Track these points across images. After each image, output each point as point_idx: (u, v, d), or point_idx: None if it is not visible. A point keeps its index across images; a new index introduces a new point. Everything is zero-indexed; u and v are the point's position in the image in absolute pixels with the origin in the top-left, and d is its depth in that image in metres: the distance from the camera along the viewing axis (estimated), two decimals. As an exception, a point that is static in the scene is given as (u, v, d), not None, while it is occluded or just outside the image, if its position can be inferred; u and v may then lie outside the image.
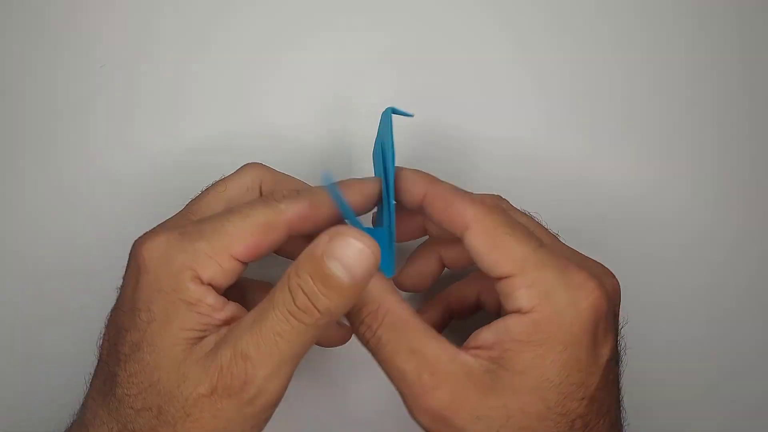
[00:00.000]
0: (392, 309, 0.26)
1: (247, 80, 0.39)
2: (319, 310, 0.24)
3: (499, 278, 0.26)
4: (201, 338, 0.25)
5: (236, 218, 0.26)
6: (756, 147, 0.40)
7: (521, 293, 0.26)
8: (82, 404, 0.27)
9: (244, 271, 0.28)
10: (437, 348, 0.26)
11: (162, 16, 0.39)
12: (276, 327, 0.24)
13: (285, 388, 0.25)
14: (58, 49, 0.39)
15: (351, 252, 0.23)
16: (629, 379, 0.29)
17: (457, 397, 0.25)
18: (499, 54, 0.40)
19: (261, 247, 0.26)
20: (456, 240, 0.28)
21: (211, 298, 0.26)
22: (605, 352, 0.26)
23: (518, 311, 0.26)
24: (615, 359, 0.27)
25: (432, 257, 0.32)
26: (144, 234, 0.28)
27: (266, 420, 0.26)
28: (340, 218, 0.28)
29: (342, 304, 0.24)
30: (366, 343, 0.27)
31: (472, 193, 0.29)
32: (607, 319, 0.26)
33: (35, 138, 0.38)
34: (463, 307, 0.33)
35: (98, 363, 0.28)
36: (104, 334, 0.28)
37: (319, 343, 0.31)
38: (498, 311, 0.29)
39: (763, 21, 0.41)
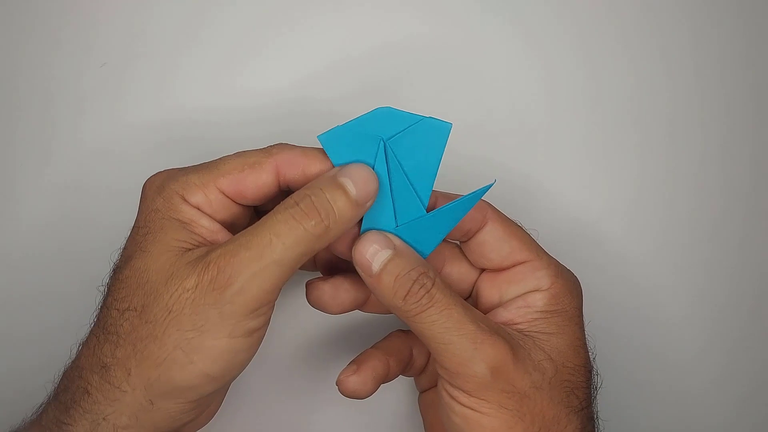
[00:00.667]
0: (438, 276, 0.28)
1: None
2: (320, 213, 0.26)
3: (515, 264, 0.30)
4: (194, 248, 0.27)
5: (231, 157, 0.29)
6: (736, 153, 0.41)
7: (542, 273, 0.29)
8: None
9: (243, 215, 0.29)
10: (479, 311, 0.28)
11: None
12: (274, 227, 0.25)
13: (269, 295, 0.26)
14: (57, 42, 0.40)
15: (360, 174, 0.27)
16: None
17: (515, 347, 0.27)
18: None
19: (245, 182, 0.28)
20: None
21: (206, 222, 0.28)
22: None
23: (538, 289, 0.29)
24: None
25: (380, 360, 0.31)
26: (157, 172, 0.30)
27: (247, 335, 0.26)
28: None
29: (343, 218, 0.26)
30: (417, 300, 0.27)
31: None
32: None
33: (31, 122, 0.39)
34: (402, 363, 0.33)
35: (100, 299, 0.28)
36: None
37: (326, 309, 0.31)
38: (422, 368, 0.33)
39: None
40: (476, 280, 0.32)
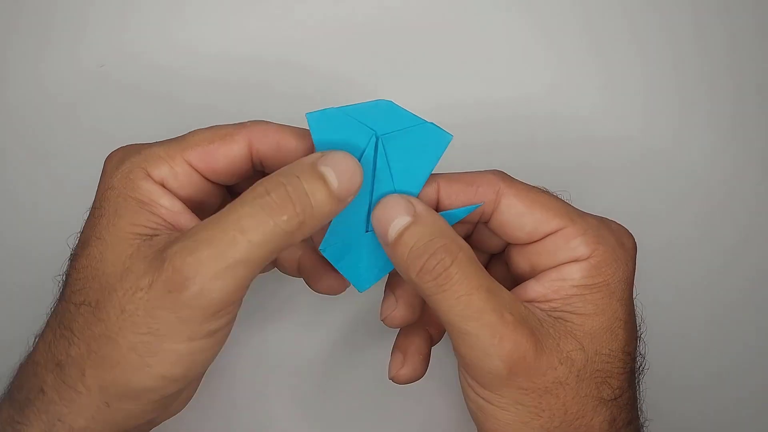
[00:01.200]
0: (466, 248, 0.25)
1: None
2: (296, 207, 0.22)
3: (546, 235, 0.26)
4: (152, 236, 0.24)
5: (201, 130, 0.26)
6: None
7: (578, 241, 0.26)
8: None
9: (213, 195, 0.27)
10: (508, 293, 0.25)
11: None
12: (240, 221, 0.22)
13: (234, 298, 0.23)
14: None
15: (345, 164, 0.24)
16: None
17: (540, 340, 0.24)
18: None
19: (215, 154, 0.26)
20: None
21: (166, 200, 0.25)
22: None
23: (575, 260, 0.26)
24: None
25: (420, 336, 0.30)
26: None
27: (208, 336, 0.23)
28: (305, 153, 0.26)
29: (321, 213, 0.23)
30: (436, 277, 0.24)
31: (479, 171, 0.27)
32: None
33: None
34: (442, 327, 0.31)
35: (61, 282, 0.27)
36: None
37: (314, 287, 0.30)
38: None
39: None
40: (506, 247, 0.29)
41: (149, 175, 0.25)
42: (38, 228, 0.38)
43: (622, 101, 0.40)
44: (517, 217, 0.26)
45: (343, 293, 0.30)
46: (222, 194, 0.28)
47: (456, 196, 0.27)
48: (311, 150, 0.26)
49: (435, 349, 0.31)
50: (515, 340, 0.24)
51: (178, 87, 0.39)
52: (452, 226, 0.26)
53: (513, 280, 0.28)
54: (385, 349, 0.31)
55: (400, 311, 0.28)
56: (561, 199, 0.27)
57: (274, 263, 0.31)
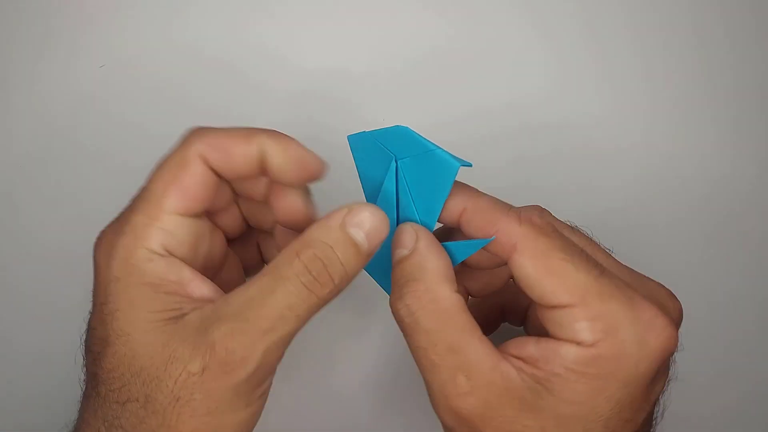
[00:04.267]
0: (440, 297, 0.24)
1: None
2: (334, 281, 0.24)
3: (553, 307, 0.24)
4: (180, 316, 0.24)
5: (154, 176, 0.25)
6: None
7: (582, 326, 0.23)
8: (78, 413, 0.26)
9: (203, 230, 0.27)
10: (480, 351, 0.24)
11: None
12: (287, 300, 0.23)
13: (280, 359, 0.24)
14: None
15: (372, 223, 0.24)
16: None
17: (492, 407, 0.23)
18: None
19: (186, 188, 0.25)
20: (483, 269, 0.28)
21: (173, 275, 0.24)
22: (659, 388, 0.25)
23: (576, 343, 0.23)
24: (663, 391, 0.26)
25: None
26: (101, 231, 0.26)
27: (261, 397, 0.25)
28: (254, 163, 0.25)
29: (352, 275, 0.25)
30: (400, 320, 0.25)
31: (517, 209, 0.26)
32: (672, 355, 0.25)
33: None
34: (518, 311, 0.31)
35: (84, 369, 0.26)
36: (83, 340, 0.26)
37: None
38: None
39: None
40: None
41: (151, 251, 0.24)
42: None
43: (624, 107, 0.41)
44: (525, 278, 0.24)
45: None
46: (210, 228, 0.28)
47: (475, 231, 0.26)
48: (258, 154, 0.25)
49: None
50: (460, 405, 0.24)
51: (179, 88, 0.39)
52: None
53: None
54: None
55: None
56: (590, 267, 0.24)
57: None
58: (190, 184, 0.25)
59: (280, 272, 0.24)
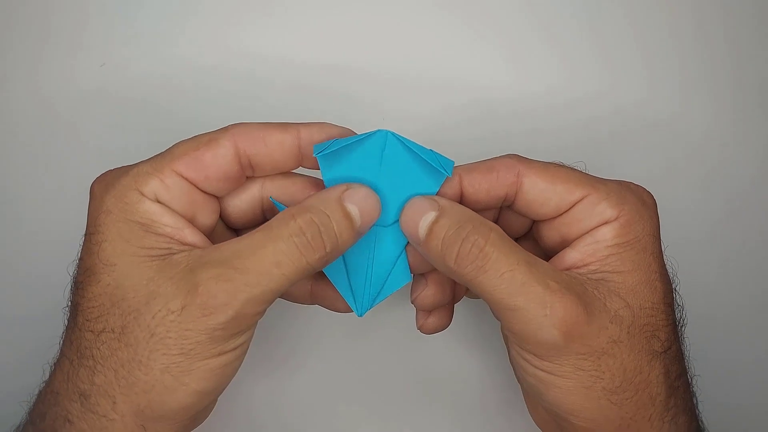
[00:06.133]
0: (496, 228, 0.25)
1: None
2: (326, 248, 0.24)
3: (572, 206, 0.26)
4: (168, 255, 0.24)
5: (184, 141, 0.26)
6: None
7: (604, 205, 0.26)
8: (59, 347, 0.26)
9: (207, 208, 0.27)
10: (549, 265, 0.25)
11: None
12: (276, 257, 0.23)
13: (260, 315, 0.24)
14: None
15: (367, 203, 0.26)
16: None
17: (588, 303, 0.24)
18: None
19: (203, 160, 0.25)
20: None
21: (168, 219, 0.25)
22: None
23: (605, 222, 0.26)
24: None
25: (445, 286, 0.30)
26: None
27: (236, 350, 0.24)
28: (293, 152, 0.27)
29: (343, 248, 0.25)
30: (475, 260, 0.24)
31: (495, 157, 0.28)
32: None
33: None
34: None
35: (68, 301, 0.26)
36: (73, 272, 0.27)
37: (333, 309, 0.30)
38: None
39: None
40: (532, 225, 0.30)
41: (143, 195, 0.25)
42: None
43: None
44: (541, 193, 0.27)
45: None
46: (215, 209, 0.28)
47: (478, 184, 0.27)
48: (296, 142, 0.26)
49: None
50: (565, 306, 0.24)
51: (179, 88, 0.39)
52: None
53: (545, 257, 0.28)
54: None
55: (430, 291, 0.29)
56: (579, 170, 0.27)
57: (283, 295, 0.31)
58: (209, 162, 0.25)
59: (273, 230, 0.24)
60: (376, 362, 0.37)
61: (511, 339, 0.26)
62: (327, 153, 0.26)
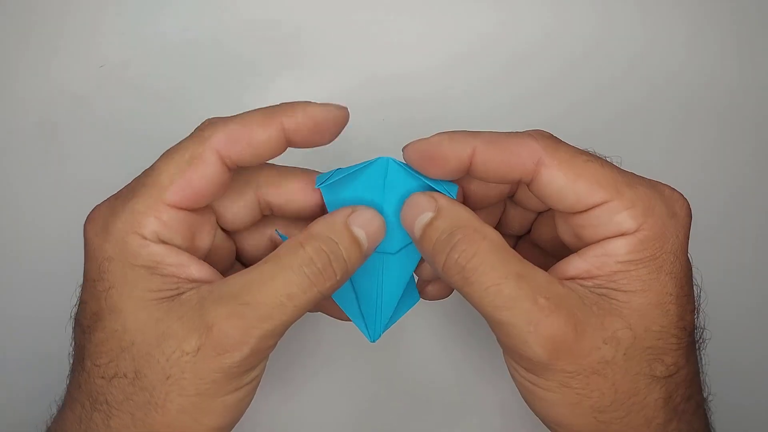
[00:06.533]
0: (489, 235, 0.24)
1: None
2: (337, 276, 0.24)
3: (590, 208, 0.24)
4: (177, 295, 0.24)
5: (162, 163, 0.25)
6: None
7: (624, 216, 0.24)
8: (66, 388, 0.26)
9: (203, 224, 0.26)
10: (544, 275, 0.24)
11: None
12: (287, 289, 0.23)
13: (274, 347, 0.24)
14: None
15: (373, 226, 0.25)
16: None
17: (579, 320, 0.23)
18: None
19: (193, 184, 0.24)
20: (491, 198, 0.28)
21: (172, 258, 0.24)
22: (689, 263, 0.26)
23: (621, 234, 0.24)
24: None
25: None
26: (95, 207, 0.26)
27: (251, 383, 0.25)
28: (279, 140, 0.25)
29: (353, 271, 0.25)
30: (461, 271, 0.23)
31: (524, 131, 0.26)
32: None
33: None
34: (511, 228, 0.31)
35: (72, 343, 0.26)
36: (73, 314, 0.26)
37: (329, 313, 0.30)
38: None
39: None
40: (535, 219, 0.29)
41: (145, 238, 0.24)
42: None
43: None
44: (558, 190, 0.24)
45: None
46: (212, 222, 0.27)
47: (492, 163, 0.25)
48: (281, 137, 0.25)
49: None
50: (552, 325, 0.23)
51: (179, 88, 0.39)
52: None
53: (561, 243, 0.28)
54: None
55: (435, 286, 0.29)
56: (610, 165, 0.25)
57: None
58: (199, 183, 0.24)
59: (282, 261, 0.24)
60: (376, 365, 0.37)
61: (501, 347, 0.26)
62: (329, 184, 0.26)
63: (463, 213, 0.25)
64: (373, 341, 0.28)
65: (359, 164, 0.26)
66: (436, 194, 0.25)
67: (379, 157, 0.26)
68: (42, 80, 0.39)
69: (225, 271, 0.29)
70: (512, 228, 0.31)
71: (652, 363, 0.24)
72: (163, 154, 0.25)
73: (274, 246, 0.30)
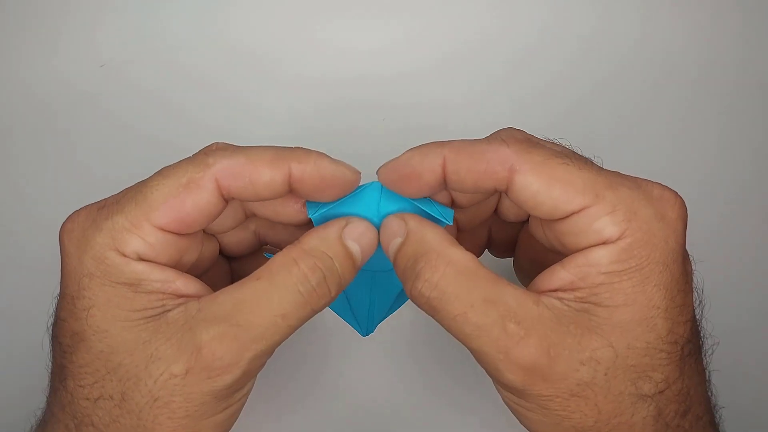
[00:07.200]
0: (454, 259, 0.23)
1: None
2: (331, 293, 0.23)
3: (568, 215, 0.23)
4: (162, 313, 0.23)
5: (158, 181, 0.23)
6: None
7: (604, 222, 0.22)
8: (45, 404, 0.25)
9: (190, 245, 0.25)
10: (516, 295, 0.22)
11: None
12: (282, 308, 0.22)
13: (264, 365, 0.24)
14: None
15: (367, 239, 0.24)
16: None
17: (553, 343, 0.22)
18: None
19: (184, 209, 0.23)
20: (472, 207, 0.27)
21: (156, 274, 0.23)
22: (689, 268, 0.24)
23: (603, 242, 0.22)
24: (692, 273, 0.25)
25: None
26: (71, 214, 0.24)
27: (240, 400, 0.24)
28: (283, 184, 0.24)
29: (346, 285, 0.24)
30: (427, 301, 0.23)
31: (494, 134, 0.24)
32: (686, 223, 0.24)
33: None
34: (502, 240, 0.30)
35: (51, 358, 0.25)
36: (50, 327, 0.25)
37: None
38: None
39: None
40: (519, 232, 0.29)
41: (125, 256, 0.23)
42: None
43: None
44: (533, 196, 0.23)
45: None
46: (199, 239, 0.26)
47: (463, 173, 0.23)
48: (285, 182, 0.24)
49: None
50: (522, 352, 0.22)
51: (179, 88, 0.39)
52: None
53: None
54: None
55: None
56: (590, 166, 0.23)
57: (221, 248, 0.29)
58: (191, 210, 0.23)
59: (276, 279, 0.23)
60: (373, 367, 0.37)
61: None
62: (322, 213, 0.25)
63: (429, 235, 0.24)
64: (365, 335, 0.28)
65: (351, 193, 0.25)
66: (407, 216, 0.24)
67: (373, 182, 0.25)
68: (42, 80, 0.39)
69: (208, 270, 0.28)
70: (507, 221, 0.29)
71: (637, 381, 0.22)
72: (160, 170, 0.24)
73: (258, 240, 0.29)
